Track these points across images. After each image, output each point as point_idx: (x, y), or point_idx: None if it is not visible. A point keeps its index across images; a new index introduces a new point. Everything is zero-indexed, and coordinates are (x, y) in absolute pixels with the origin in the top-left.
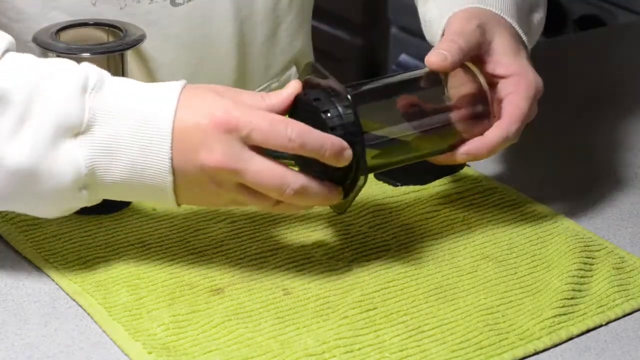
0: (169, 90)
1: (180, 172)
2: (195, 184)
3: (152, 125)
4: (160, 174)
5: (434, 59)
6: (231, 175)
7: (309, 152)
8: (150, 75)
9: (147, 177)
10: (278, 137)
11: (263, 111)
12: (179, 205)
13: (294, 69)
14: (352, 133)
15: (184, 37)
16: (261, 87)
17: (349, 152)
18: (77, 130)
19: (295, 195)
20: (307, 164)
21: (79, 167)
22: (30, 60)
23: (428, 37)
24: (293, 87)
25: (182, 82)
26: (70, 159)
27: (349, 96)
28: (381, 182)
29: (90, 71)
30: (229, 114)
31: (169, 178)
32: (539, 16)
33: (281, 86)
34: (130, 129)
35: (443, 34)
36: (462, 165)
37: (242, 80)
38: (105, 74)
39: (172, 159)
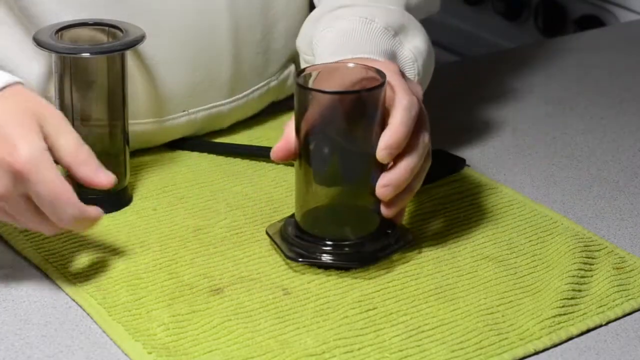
0: None
1: None
2: None
3: None
4: None
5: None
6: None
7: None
8: (148, 73)
9: None
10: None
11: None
12: None
13: (292, 68)
14: (313, 253)
15: (181, 33)
16: (259, 85)
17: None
18: None
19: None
20: None
21: None
22: None
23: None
24: None
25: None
26: None
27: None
28: None
29: None
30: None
31: None
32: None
33: (279, 85)
34: None
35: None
36: (462, 165)
37: (239, 77)
38: None
39: None
